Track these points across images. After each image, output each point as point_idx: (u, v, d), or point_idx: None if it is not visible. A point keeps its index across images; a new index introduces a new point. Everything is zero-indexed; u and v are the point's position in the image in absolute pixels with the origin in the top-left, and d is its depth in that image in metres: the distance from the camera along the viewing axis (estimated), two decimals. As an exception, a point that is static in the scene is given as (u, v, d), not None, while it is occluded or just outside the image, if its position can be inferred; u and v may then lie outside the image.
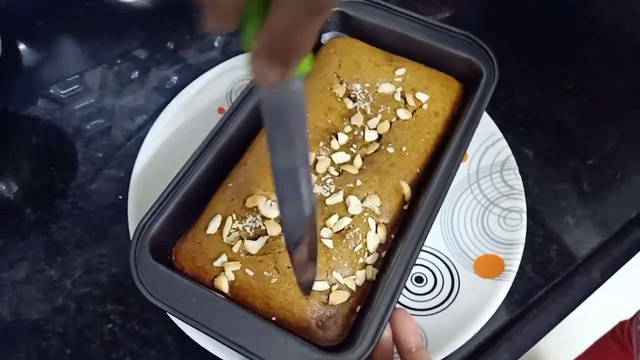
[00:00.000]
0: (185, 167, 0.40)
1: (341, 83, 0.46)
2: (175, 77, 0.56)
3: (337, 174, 0.42)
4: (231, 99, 0.52)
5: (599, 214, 0.49)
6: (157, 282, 0.36)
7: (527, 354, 0.42)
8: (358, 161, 0.42)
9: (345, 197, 0.40)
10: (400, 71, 0.46)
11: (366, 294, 0.39)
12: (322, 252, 0.38)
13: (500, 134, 0.49)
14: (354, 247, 0.39)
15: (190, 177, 0.40)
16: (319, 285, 0.37)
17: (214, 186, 0.42)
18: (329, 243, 0.38)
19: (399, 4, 0.48)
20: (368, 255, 0.39)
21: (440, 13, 0.61)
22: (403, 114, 0.44)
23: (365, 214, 0.40)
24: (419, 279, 0.45)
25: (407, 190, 0.42)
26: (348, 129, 0.44)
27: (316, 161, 0.42)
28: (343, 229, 0.39)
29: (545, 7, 0.63)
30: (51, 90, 0.55)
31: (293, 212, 0.31)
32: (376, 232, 0.40)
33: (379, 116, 0.44)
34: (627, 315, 0.75)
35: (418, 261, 0.44)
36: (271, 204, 0.39)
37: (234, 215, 0.40)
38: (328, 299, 0.37)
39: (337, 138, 0.43)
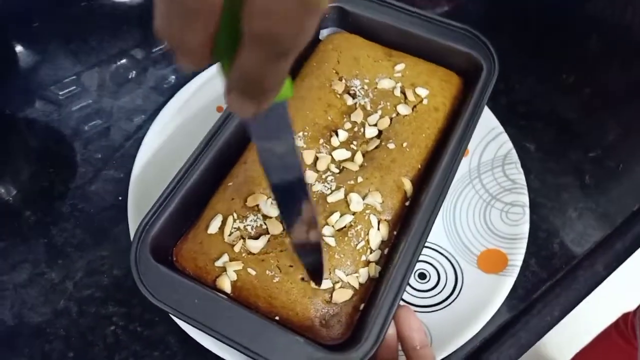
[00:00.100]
0: (185, 167, 0.40)
1: (340, 79, 0.45)
2: (173, 76, 0.56)
3: (337, 171, 0.41)
4: (230, 98, 0.52)
5: (601, 206, 0.49)
6: (159, 283, 0.36)
7: (532, 349, 0.42)
8: (359, 158, 0.42)
9: (346, 195, 0.40)
10: (400, 66, 0.46)
11: (369, 292, 0.38)
12: (324, 250, 0.38)
13: (501, 128, 0.49)
14: (357, 245, 0.38)
15: (190, 176, 0.40)
16: (321, 284, 0.37)
17: (214, 185, 0.42)
18: (331, 241, 0.38)
19: (397, -2, 0.47)
20: (371, 253, 0.39)
21: (439, 7, 0.61)
22: (403, 109, 0.44)
23: (367, 211, 0.39)
24: (422, 276, 0.44)
25: (408, 186, 0.41)
26: (348, 125, 0.43)
27: (316, 158, 0.41)
28: (345, 227, 0.39)
29: (545, 0, 0.62)
30: (49, 92, 0.54)
31: (283, 179, 0.31)
32: (378, 229, 0.39)
33: (379, 112, 0.44)
34: (631, 307, 0.75)
35: (421, 257, 0.44)
36: (272, 203, 0.39)
37: (235, 215, 0.39)
38: (331, 297, 0.37)
39: (337, 135, 0.43)
